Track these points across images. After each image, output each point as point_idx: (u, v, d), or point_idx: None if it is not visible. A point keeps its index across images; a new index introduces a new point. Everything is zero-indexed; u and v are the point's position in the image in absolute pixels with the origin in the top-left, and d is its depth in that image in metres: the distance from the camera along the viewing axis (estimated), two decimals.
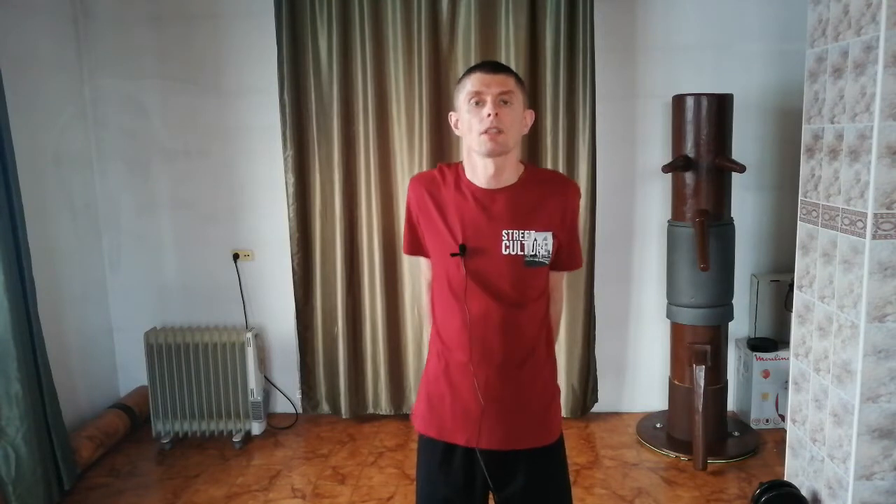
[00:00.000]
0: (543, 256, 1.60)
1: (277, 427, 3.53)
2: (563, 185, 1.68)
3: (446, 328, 1.64)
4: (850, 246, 2.25)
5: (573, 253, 1.71)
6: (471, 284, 1.58)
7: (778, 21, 3.29)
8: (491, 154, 1.56)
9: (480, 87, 1.55)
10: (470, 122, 1.56)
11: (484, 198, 1.60)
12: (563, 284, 1.84)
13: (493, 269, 1.58)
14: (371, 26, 3.24)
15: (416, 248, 1.73)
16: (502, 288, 1.59)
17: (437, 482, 1.68)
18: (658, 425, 3.39)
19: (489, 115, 1.53)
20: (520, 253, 1.58)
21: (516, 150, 1.63)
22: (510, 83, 1.57)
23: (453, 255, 1.58)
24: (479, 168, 1.60)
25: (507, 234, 1.58)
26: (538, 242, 1.59)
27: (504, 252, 1.58)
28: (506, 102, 1.55)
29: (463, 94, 1.58)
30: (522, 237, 1.58)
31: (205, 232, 3.56)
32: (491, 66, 1.60)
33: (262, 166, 3.48)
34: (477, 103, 1.55)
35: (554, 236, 1.61)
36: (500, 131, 1.53)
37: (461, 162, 1.67)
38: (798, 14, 2.96)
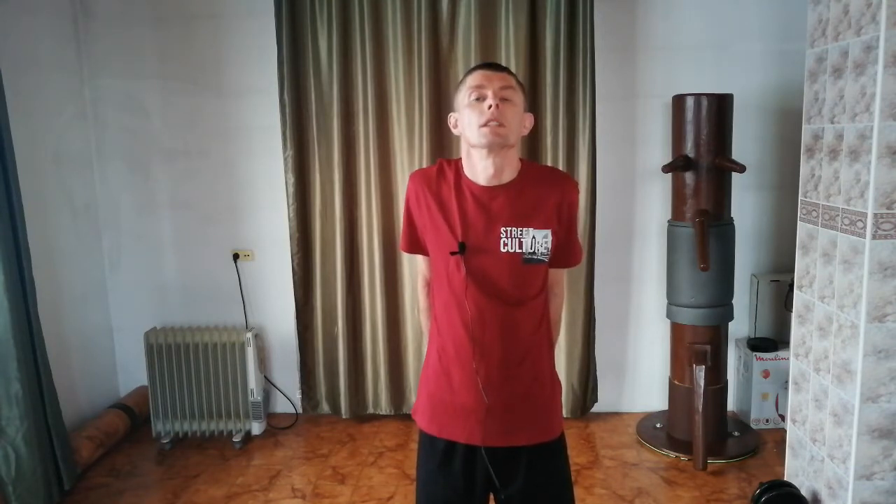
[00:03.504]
0: (542, 254, 1.60)
1: (277, 427, 3.53)
2: (561, 181, 1.68)
3: (446, 326, 1.64)
4: (850, 246, 2.25)
5: (572, 249, 1.70)
6: (470, 282, 1.58)
7: (778, 21, 3.30)
8: (490, 146, 1.55)
9: (482, 81, 1.56)
10: (470, 116, 1.56)
11: (483, 196, 1.60)
12: (564, 280, 1.84)
13: (492, 268, 1.58)
14: (371, 26, 3.24)
15: (414, 245, 1.73)
16: (502, 286, 1.59)
17: (438, 483, 1.67)
18: (658, 425, 3.39)
19: (490, 107, 1.53)
20: (518, 251, 1.58)
21: (515, 150, 1.63)
22: (511, 81, 1.59)
23: (453, 253, 1.58)
24: (478, 167, 1.60)
25: (506, 231, 1.58)
26: (536, 240, 1.59)
27: (503, 250, 1.58)
28: (506, 99, 1.56)
29: (464, 91, 1.59)
30: (521, 234, 1.58)
31: (205, 232, 3.56)
32: (492, 65, 1.62)
33: (262, 166, 3.48)
34: (478, 98, 1.55)
35: (553, 234, 1.61)
36: (500, 124, 1.54)
37: (460, 160, 1.67)
38: (798, 14, 2.96)
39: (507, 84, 1.57)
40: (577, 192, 1.69)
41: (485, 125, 1.53)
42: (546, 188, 1.63)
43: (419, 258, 1.77)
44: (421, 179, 1.68)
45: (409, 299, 3.45)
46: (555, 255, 1.64)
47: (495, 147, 1.56)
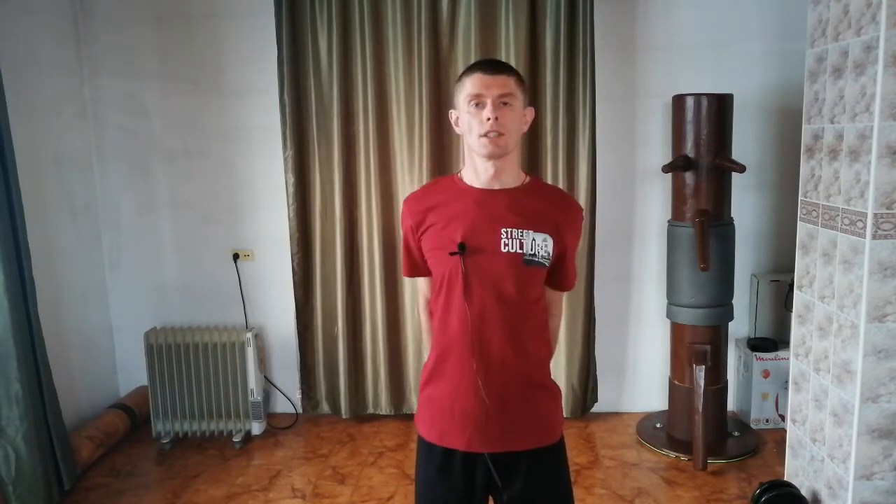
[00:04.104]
0: (542, 257, 1.59)
1: (277, 427, 3.53)
2: (568, 203, 1.70)
3: (446, 329, 1.63)
4: (850, 246, 2.25)
5: (570, 272, 1.72)
6: (470, 282, 1.58)
7: (778, 21, 3.30)
8: (491, 156, 1.57)
9: (480, 89, 1.55)
10: (470, 123, 1.57)
11: (483, 197, 1.61)
12: (562, 302, 1.84)
13: (492, 267, 1.58)
14: (371, 26, 3.24)
15: (415, 269, 1.73)
16: (502, 286, 1.58)
17: (437, 487, 1.67)
18: (658, 425, 3.39)
19: (489, 118, 1.53)
20: (519, 251, 1.58)
21: (516, 150, 1.64)
22: (510, 84, 1.57)
23: (452, 254, 1.58)
24: (479, 168, 1.61)
25: (506, 232, 1.58)
26: (537, 243, 1.58)
27: (503, 250, 1.57)
28: (506, 104, 1.55)
29: (463, 95, 1.58)
30: (521, 236, 1.58)
31: (205, 232, 3.56)
32: (491, 66, 1.59)
33: (262, 166, 3.48)
34: (477, 105, 1.55)
35: (553, 241, 1.61)
36: (499, 134, 1.54)
37: (456, 173, 1.69)
38: (798, 14, 2.96)
39: (505, 90, 1.55)
40: (582, 218, 1.71)
41: (484, 135, 1.54)
42: (550, 203, 1.65)
43: (420, 280, 1.78)
44: (412, 200, 1.70)
45: (409, 299, 3.45)
46: (551, 273, 1.65)
47: (495, 155, 1.57)
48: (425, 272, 1.72)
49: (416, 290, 3.38)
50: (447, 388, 1.64)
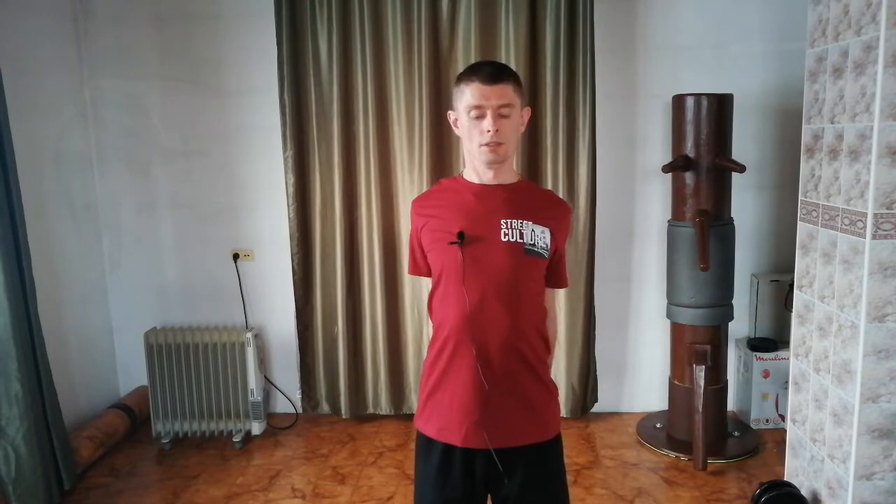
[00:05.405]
0: (542, 248, 1.62)
1: (277, 427, 3.53)
2: (558, 201, 1.76)
3: (445, 319, 1.64)
4: (850, 246, 2.25)
5: (562, 269, 1.76)
6: (470, 271, 1.59)
7: (778, 21, 3.30)
8: (492, 164, 1.62)
9: (480, 100, 1.57)
10: (470, 131, 1.60)
11: (482, 192, 1.65)
12: (556, 304, 1.86)
13: (492, 257, 1.60)
14: (371, 26, 3.25)
15: (419, 268, 1.76)
16: (502, 275, 1.59)
17: (437, 487, 1.67)
18: (658, 425, 3.39)
19: (489, 130, 1.57)
20: (519, 241, 1.60)
21: (513, 152, 1.68)
22: (508, 93, 1.58)
23: (451, 243, 1.59)
24: (479, 169, 1.65)
25: (506, 223, 1.61)
26: (536, 234, 1.61)
27: (503, 239, 1.60)
28: (504, 116, 1.58)
29: (462, 104, 1.60)
30: (521, 226, 1.61)
31: (205, 232, 3.56)
32: (489, 75, 1.58)
33: (262, 166, 3.48)
34: (477, 116, 1.58)
35: (551, 235, 1.64)
36: (499, 143, 1.58)
37: (459, 174, 1.73)
38: (798, 14, 2.96)
39: (504, 101, 1.57)
40: (571, 217, 1.73)
41: (485, 144, 1.58)
42: (543, 201, 1.71)
43: (424, 280, 1.80)
44: (419, 200, 1.75)
45: (409, 299, 3.45)
46: (548, 272, 1.68)
47: (495, 163, 1.62)
48: (426, 272, 1.73)
49: (416, 290, 3.41)
50: (446, 381, 1.65)
